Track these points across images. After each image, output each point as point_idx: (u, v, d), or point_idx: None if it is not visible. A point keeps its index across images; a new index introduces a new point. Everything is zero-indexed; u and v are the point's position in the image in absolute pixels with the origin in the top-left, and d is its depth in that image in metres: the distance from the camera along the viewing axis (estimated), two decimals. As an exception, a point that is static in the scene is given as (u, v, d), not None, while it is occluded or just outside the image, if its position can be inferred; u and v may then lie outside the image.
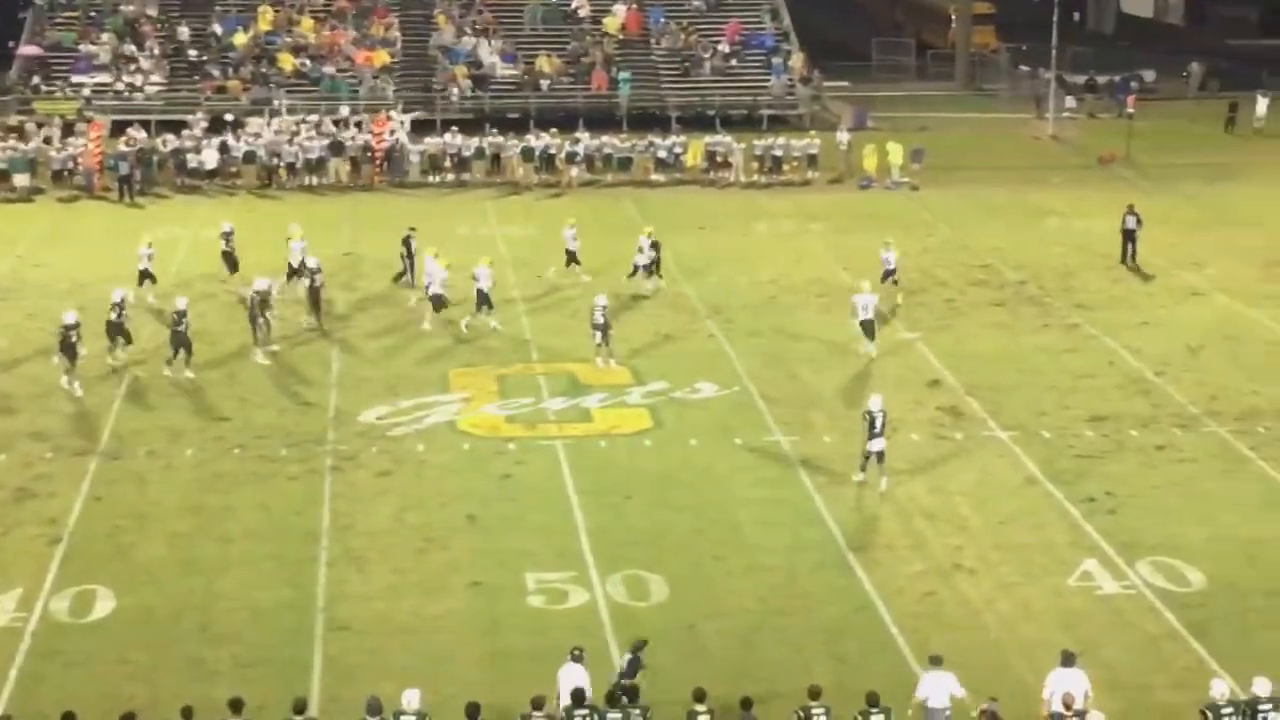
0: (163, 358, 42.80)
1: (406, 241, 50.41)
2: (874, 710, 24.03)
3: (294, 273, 48.42)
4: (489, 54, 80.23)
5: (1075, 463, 37.33)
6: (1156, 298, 50.59)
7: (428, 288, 46.84)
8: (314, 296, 46.45)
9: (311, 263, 46.93)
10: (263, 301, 43.84)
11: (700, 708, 24.28)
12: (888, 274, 48.61)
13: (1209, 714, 24.36)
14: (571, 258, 50.83)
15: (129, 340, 43.17)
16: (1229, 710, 24.30)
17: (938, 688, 25.31)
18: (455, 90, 77.44)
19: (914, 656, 28.40)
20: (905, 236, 53.72)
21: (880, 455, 35.18)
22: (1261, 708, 24.46)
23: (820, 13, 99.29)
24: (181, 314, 42.15)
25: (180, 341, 42.18)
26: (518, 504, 35.07)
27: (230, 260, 50.14)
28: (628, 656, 26.27)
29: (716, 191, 66.12)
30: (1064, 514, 34.58)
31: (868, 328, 44.17)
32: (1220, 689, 24.67)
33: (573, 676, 25.19)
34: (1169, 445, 38.36)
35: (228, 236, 50.43)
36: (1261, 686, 24.71)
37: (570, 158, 66.61)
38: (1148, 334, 46.77)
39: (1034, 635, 29.35)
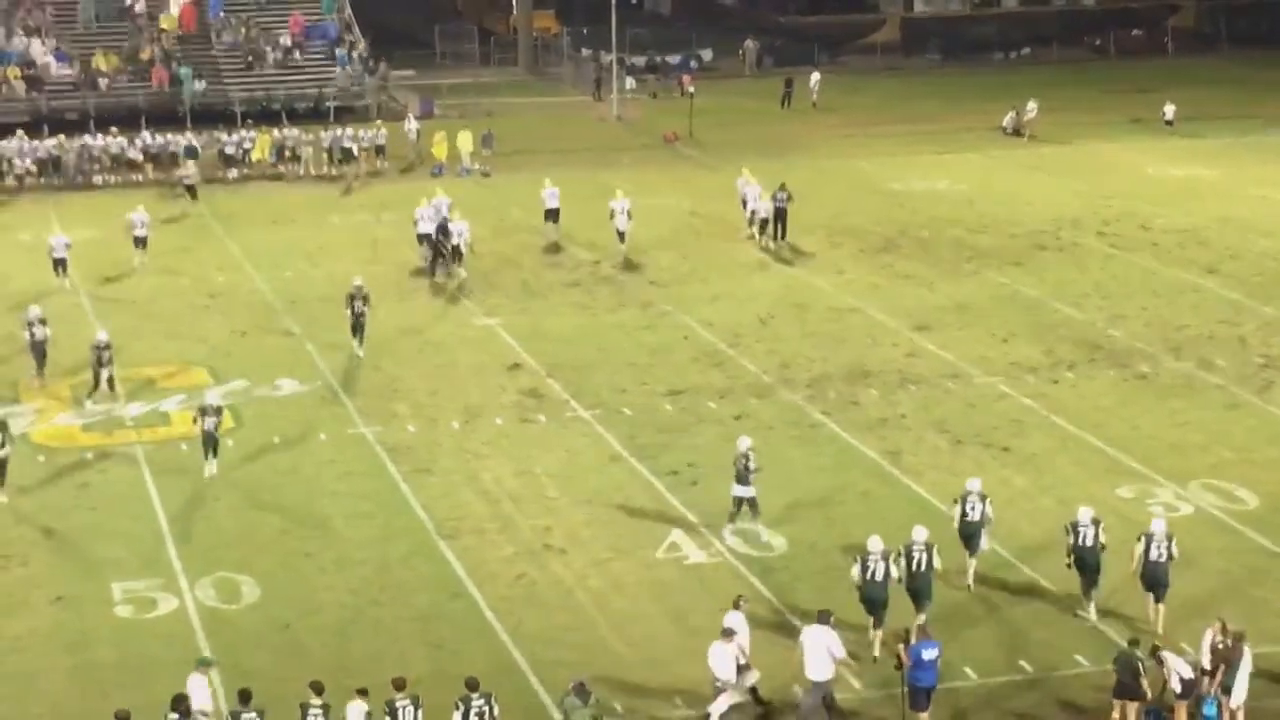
0: None
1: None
2: (474, 695, 24.12)
3: None
4: (43, 54, 77.80)
5: (657, 437, 38.06)
6: (726, 271, 51.86)
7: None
8: None
9: None
10: None
11: (316, 701, 24.05)
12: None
13: (861, 559, 27.96)
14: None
15: None
16: (878, 558, 27.83)
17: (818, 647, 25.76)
18: (6, 91, 75.03)
19: (510, 640, 28.64)
20: (479, 222, 54.03)
21: (752, 502, 32.65)
22: (915, 549, 28.23)
23: (382, 2, 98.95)
24: None
25: None
26: (99, 513, 34.20)
27: None
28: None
29: (287, 185, 65.41)
30: (649, 488, 35.23)
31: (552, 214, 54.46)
32: (875, 544, 27.84)
33: None
34: (746, 415, 39.39)
35: None
36: (919, 534, 28.55)
37: (191, 154, 65.41)
38: (719, 307, 47.93)
39: (626, 608, 29.88)
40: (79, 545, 32.69)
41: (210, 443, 35.84)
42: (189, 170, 62.32)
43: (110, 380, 40.10)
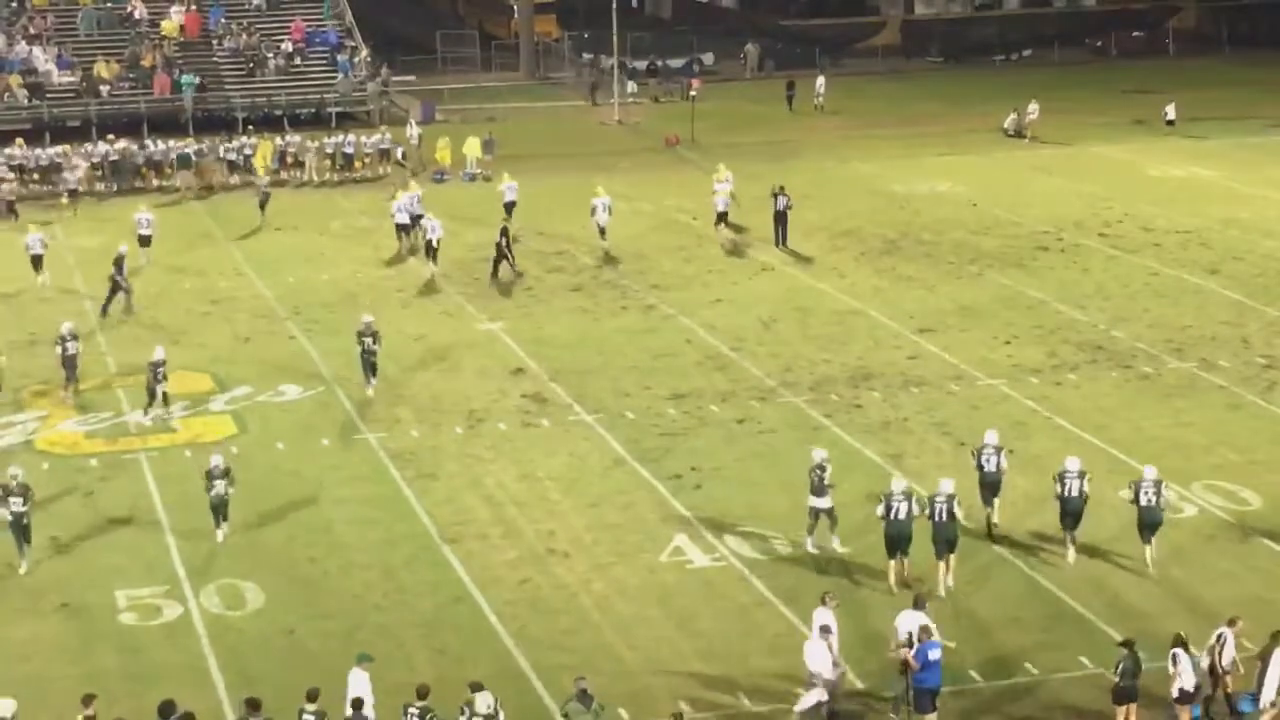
0: None
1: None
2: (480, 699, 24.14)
3: None
4: (44, 61, 77.83)
5: (660, 441, 38.07)
6: (728, 274, 51.88)
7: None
8: None
9: None
10: None
11: (310, 707, 24.12)
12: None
13: (885, 499, 30.13)
14: None
15: None
16: (901, 497, 30.12)
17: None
18: (9, 99, 75.08)
19: (514, 644, 28.67)
20: (483, 227, 54.07)
21: (830, 513, 31.91)
22: (938, 500, 30.11)
23: (383, 8, 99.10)
24: None
25: None
26: (103, 521, 34.18)
27: None
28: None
29: (290, 191, 65.40)
30: (652, 492, 35.24)
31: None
32: (897, 484, 30.50)
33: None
34: (748, 418, 39.41)
35: None
36: (945, 486, 30.47)
37: (184, 162, 65.40)
38: (722, 310, 47.96)
39: (630, 612, 29.89)
40: (83, 552, 32.72)
41: (221, 506, 33.04)
42: (264, 182, 61.70)
43: (164, 396, 39.75)
